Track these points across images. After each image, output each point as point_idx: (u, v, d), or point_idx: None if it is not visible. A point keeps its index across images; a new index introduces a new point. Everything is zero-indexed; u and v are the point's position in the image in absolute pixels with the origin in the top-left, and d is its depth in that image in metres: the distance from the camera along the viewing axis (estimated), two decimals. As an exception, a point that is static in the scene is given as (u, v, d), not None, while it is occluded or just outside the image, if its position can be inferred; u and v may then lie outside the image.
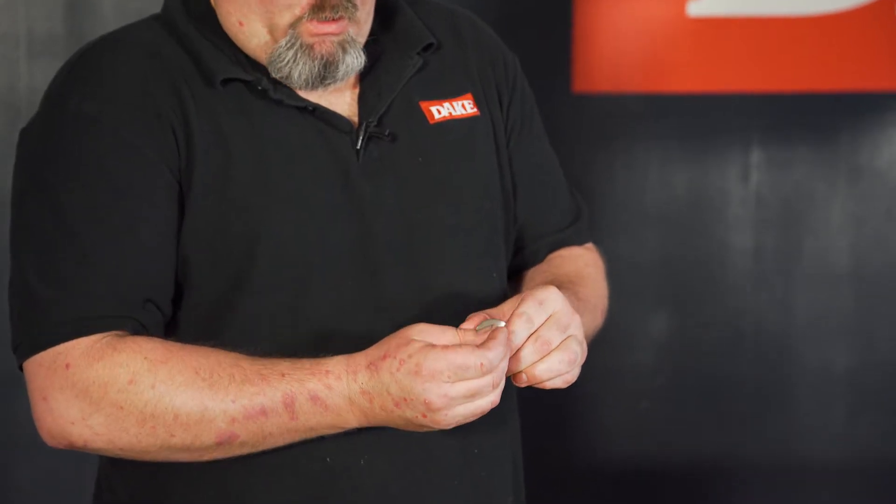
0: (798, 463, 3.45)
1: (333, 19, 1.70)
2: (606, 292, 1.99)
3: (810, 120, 3.37)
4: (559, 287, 1.83)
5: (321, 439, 1.68)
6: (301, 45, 1.71)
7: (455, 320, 1.65)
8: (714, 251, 3.40)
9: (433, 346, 1.59)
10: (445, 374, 1.57)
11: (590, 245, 2.02)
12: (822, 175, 3.38)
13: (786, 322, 3.42)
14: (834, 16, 3.31)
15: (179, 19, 1.77)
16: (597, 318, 1.93)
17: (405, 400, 1.59)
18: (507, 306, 1.66)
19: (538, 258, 1.96)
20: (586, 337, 1.86)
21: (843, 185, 3.39)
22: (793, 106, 3.35)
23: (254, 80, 1.73)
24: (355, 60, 1.73)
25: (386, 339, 1.63)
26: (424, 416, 1.60)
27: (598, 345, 3.37)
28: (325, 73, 1.72)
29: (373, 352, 1.63)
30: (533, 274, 1.95)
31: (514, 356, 1.63)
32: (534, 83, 3.36)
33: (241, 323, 1.71)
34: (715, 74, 3.32)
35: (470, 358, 1.57)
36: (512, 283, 1.96)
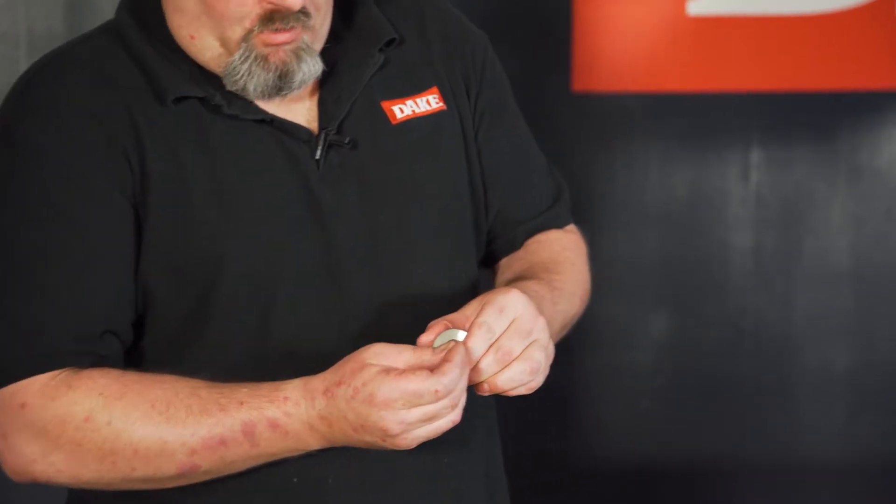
0: (798, 462, 3.45)
1: (285, 29, 1.66)
2: (587, 275, 1.95)
3: (810, 119, 3.37)
4: (533, 277, 1.82)
5: (287, 460, 1.66)
6: (255, 57, 1.67)
7: (422, 327, 1.62)
8: (714, 251, 3.40)
9: (388, 372, 1.56)
10: (399, 403, 1.55)
11: (570, 227, 1.98)
12: (822, 174, 3.38)
13: (786, 322, 3.42)
14: (834, 15, 3.31)
15: (130, 32, 1.73)
16: (574, 306, 1.89)
17: (363, 426, 1.57)
18: (469, 310, 1.62)
19: (516, 245, 1.92)
20: (563, 326, 1.84)
21: (843, 185, 3.39)
22: (793, 105, 3.35)
23: (207, 97, 1.70)
24: (311, 68, 1.69)
25: (342, 363, 1.60)
26: (384, 440, 1.58)
27: (598, 344, 3.39)
28: (282, 84, 1.68)
29: (329, 376, 1.60)
30: (509, 262, 1.92)
31: (475, 368, 1.60)
32: (534, 82, 3.37)
33: (208, 344, 1.69)
34: (715, 74, 3.31)
35: (423, 385, 1.55)
36: (490, 272, 1.94)
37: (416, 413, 1.56)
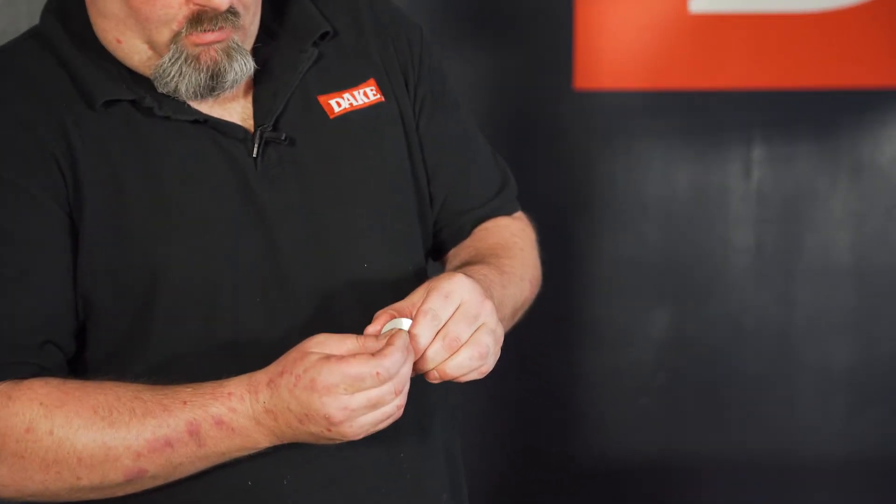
0: (798, 460, 3.45)
1: (214, 30, 1.64)
2: (537, 261, 1.93)
3: (812, 117, 3.36)
4: (481, 261, 1.81)
5: (240, 462, 1.64)
6: (186, 58, 1.64)
7: (370, 322, 1.61)
8: (715, 248, 3.39)
9: (328, 358, 1.54)
10: (341, 387, 1.52)
11: (519, 214, 1.97)
12: (823, 172, 3.38)
13: (787, 319, 3.42)
14: (835, 13, 3.30)
15: (57, 36, 1.70)
16: (524, 290, 1.87)
17: (306, 415, 1.55)
18: (415, 297, 1.60)
19: (463, 234, 1.91)
20: (515, 310, 1.82)
21: (844, 182, 3.38)
22: (794, 103, 3.35)
23: (137, 99, 1.67)
24: (243, 67, 1.67)
25: (286, 354, 1.58)
26: (329, 430, 1.55)
27: (599, 342, 3.39)
28: (214, 84, 1.66)
29: (272, 368, 1.58)
30: (457, 251, 1.91)
31: (423, 356, 1.58)
32: (535, 80, 3.36)
33: (152, 353, 1.67)
34: (716, 71, 3.31)
35: (364, 368, 1.52)
36: (439, 263, 1.93)
37: (360, 398, 1.53)
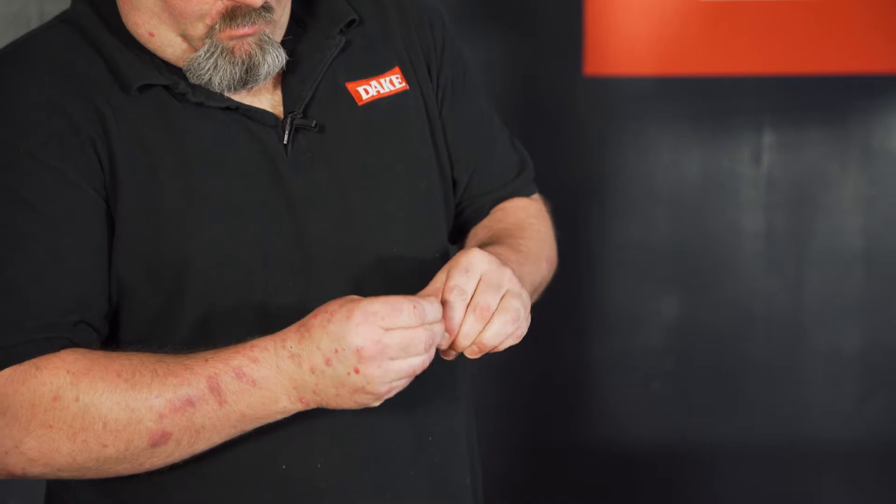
0: (808, 445, 3.45)
1: (246, 25, 1.65)
2: (553, 242, 1.95)
3: (822, 102, 3.36)
4: (497, 241, 1.83)
5: (274, 447, 1.65)
6: (221, 51, 1.66)
7: None
8: (725, 233, 3.40)
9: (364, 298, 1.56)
10: (379, 316, 1.53)
11: (536, 196, 1.99)
12: (833, 157, 3.38)
13: (797, 304, 3.42)
14: (846, -2, 3.30)
15: (89, 22, 1.72)
16: (541, 269, 1.89)
17: (336, 352, 1.55)
18: (437, 281, 1.62)
19: (482, 214, 1.94)
20: (533, 289, 1.84)
21: (854, 168, 3.38)
22: (805, 88, 3.35)
23: (171, 84, 1.68)
24: (276, 59, 1.69)
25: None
26: (357, 370, 1.55)
27: (609, 327, 3.40)
28: (248, 77, 1.68)
29: (303, 319, 1.59)
30: (476, 230, 1.93)
31: (459, 333, 1.60)
32: (545, 66, 3.36)
33: (183, 335, 1.67)
34: (727, 57, 3.31)
35: (404, 301, 1.54)
36: (459, 245, 1.95)
37: (395, 336, 1.54)
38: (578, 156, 3.35)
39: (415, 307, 1.54)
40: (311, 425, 1.67)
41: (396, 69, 1.83)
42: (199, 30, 1.66)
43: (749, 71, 3.33)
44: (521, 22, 3.27)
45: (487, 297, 1.60)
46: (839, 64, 3.33)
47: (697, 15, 3.28)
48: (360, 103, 1.78)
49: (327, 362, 1.56)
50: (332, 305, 1.57)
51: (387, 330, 1.54)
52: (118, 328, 1.70)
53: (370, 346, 1.54)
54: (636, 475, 3.46)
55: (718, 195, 3.38)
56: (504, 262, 1.65)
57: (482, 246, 1.81)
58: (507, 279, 1.62)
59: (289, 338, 1.58)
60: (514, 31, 3.29)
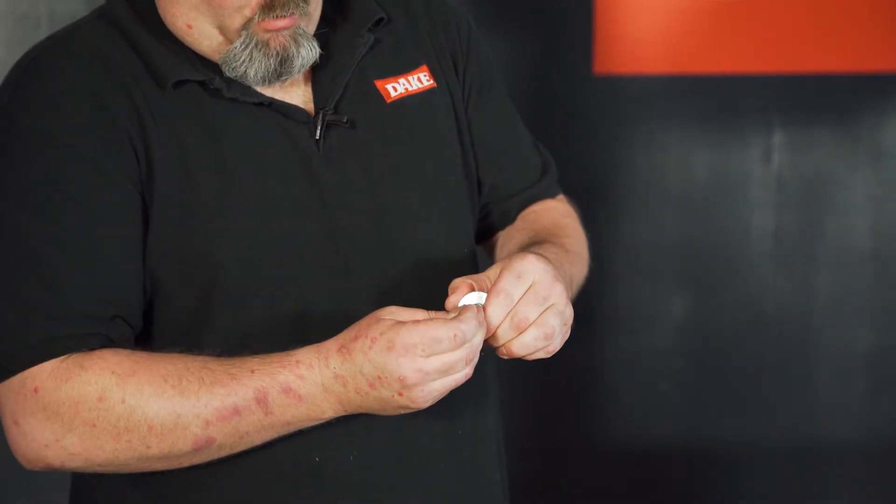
0: (818, 444, 3.45)
1: (284, 16, 1.67)
2: (586, 241, 1.97)
3: (832, 101, 3.36)
4: (543, 241, 1.84)
5: (308, 440, 1.67)
6: (257, 43, 1.67)
7: (431, 303, 1.63)
8: (735, 233, 3.40)
9: (404, 322, 1.57)
10: (419, 348, 1.55)
11: (561, 197, 2.00)
12: (843, 156, 3.38)
13: (806, 304, 3.42)
14: (856, -3, 3.30)
15: (125, 18, 1.73)
16: (584, 268, 1.91)
17: (379, 378, 1.57)
18: (491, 272, 1.63)
19: (509, 218, 1.95)
20: (578, 288, 1.86)
21: (864, 167, 3.38)
22: (814, 87, 3.34)
23: (206, 80, 1.70)
24: (310, 53, 1.70)
25: (357, 323, 1.60)
26: (400, 394, 1.57)
27: (618, 327, 3.39)
28: (282, 70, 1.69)
29: (343, 335, 1.60)
30: (510, 232, 1.94)
31: (493, 335, 1.62)
32: (555, 64, 3.36)
33: (216, 334, 1.69)
34: (736, 56, 3.31)
35: (443, 330, 1.55)
36: (484, 247, 1.96)
37: (435, 361, 1.56)
38: (587, 154, 3.35)
39: (455, 336, 1.56)
40: (345, 420, 1.68)
41: (424, 67, 1.84)
42: (236, 21, 1.67)
43: (759, 70, 3.32)
44: (531, 21, 3.27)
45: (529, 307, 1.62)
46: (849, 63, 3.33)
47: (707, 13, 3.27)
48: (388, 100, 1.80)
49: (371, 386, 1.59)
50: (373, 331, 1.58)
51: (428, 357, 1.56)
52: (152, 323, 1.71)
53: (412, 375, 1.56)
54: (645, 475, 3.46)
55: (728, 194, 3.38)
56: (560, 270, 1.67)
57: (534, 246, 1.83)
58: (556, 294, 1.63)
59: (331, 357, 1.60)
60: (524, 30, 3.29)
